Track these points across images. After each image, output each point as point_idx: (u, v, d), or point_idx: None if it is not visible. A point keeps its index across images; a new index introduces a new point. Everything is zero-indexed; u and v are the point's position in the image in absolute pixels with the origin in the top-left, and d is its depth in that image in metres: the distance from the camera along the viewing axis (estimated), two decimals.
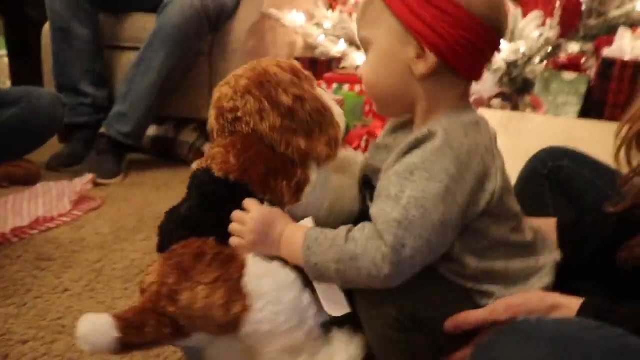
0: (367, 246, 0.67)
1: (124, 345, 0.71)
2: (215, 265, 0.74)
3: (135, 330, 0.71)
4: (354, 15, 2.28)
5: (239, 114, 0.80)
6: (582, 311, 0.66)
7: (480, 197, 0.70)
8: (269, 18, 2.27)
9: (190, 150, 2.31)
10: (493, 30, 0.71)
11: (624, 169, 0.77)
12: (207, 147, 2.32)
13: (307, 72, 0.86)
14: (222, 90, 0.84)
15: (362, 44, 0.79)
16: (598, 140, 1.35)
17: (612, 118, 1.59)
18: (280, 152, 0.79)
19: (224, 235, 0.77)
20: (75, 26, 2.20)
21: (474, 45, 0.70)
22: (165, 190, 1.99)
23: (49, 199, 1.75)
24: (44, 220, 1.60)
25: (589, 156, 1.00)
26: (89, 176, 1.90)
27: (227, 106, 0.81)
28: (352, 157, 0.96)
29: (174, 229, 0.79)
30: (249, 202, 0.78)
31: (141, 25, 2.31)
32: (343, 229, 0.71)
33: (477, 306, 0.74)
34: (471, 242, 0.73)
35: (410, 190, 0.67)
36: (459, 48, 0.69)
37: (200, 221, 0.78)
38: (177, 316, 0.74)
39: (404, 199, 0.66)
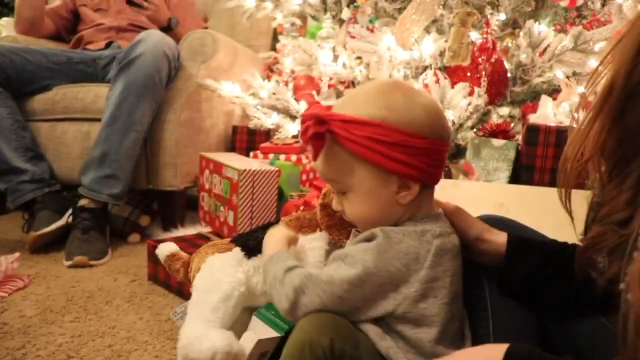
0: (290, 282, 0.81)
1: (169, 261, 1.29)
2: (216, 249, 1.15)
3: (175, 259, 1.28)
4: (290, 85, 2.31)
5: None
6: None
7: (391, 295, 0.79)
8: (205, 88, 2.27)
9: (125, 224, 2.23)
10: (447, 140, 0.84)
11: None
12: (142, 220, 2.26)
13: None
14: None
15: (336, 189, 0.88)
16: (529, 205, 1.39)
17: (541, 182, 1.64)
18: None
19: (246, 246, 1.13)
20: None
21: (440, 161, 0.82)
22: (98, 265, 1.91)
23: None
24: None
25: (521, 224, 1.01)
26: (15, 254, 1.80)
27: None
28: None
29: None
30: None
31: (73, 96, 2.29)
32: (297, 263, 0.87)
33: None
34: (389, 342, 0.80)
35: (338, 268, 0.80)
36: (432, 169, 0.81)
37: (250, 231, 1.18)
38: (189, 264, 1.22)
39: (329, 270, 0.81)
